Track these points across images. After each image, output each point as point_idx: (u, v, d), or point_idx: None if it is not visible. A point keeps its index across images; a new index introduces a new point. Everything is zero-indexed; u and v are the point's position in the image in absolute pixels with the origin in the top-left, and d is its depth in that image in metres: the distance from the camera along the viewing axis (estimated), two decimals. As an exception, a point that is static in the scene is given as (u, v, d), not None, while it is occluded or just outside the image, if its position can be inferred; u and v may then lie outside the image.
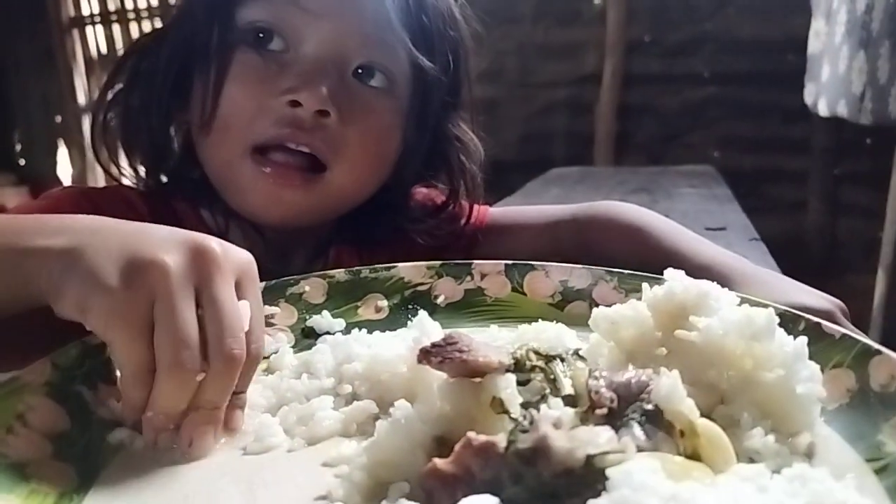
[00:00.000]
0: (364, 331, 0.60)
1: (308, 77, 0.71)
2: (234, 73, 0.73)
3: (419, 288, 0.70)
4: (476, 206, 0.92)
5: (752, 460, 0.40)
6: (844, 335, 0.50)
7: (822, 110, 2.23)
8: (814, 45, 2.39)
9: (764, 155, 3.17)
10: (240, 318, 0.47)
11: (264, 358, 0.59)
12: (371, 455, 0.42)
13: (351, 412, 0.49)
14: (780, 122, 3.09)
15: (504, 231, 0.92)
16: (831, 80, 2.13)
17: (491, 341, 0.54)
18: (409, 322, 0.65)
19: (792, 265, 1.16)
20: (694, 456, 0.38)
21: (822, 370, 0.45)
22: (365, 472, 0.41)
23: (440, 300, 0.70)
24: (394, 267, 0.71)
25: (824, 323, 0.52)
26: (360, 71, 0.75)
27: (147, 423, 0.45)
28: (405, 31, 0.75)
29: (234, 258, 0.49)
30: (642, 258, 0.73)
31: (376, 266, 0.71)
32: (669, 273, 0.51)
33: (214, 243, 0.48)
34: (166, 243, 0.47)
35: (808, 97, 2.46)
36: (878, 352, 0.47)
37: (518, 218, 0.94)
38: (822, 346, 0.49)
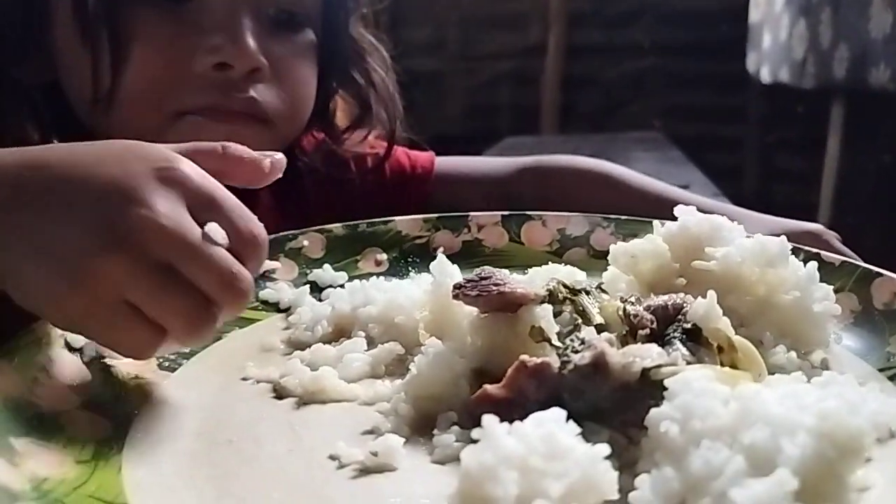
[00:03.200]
0: (373, 279, 0.60)
1: (230, 30, 0.63)
2: (138, 35, 0.62)
3: (417, 241, 0.70)
4: (418, 153, 0.90)
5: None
6: (844, 262, 0.53)
7: (765, 77, 2.32)
8: (754, 14, 2.48)
9: (703, 123, 3.26)
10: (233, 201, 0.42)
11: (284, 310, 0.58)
12: (413, 389, 0.42)
13: (378, 354, 0.49)
14: (718, 91, 3.19)
15: (458, 181, 0.90)
16: (773, 48, 2.21)
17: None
18: (409, 274, 0.66)
19: None
20: (732, 369, 0.40)
21: (829, 293, 0.48)
22: (410, 406, 0.42)
23: (439, 252, 0.70)
24: (390, 220, 0.70)
25: (823, 252, 0.55)
26: (280, 17, 0.69)
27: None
28: None
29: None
30: (623, 206, 0.75)
31: (373, 220, 0.70)
32: (681, 209, 0.53)
33: (175, 161, 0.41)
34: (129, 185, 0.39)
35: (751, 65, 2.55)
36: (879, 274, 0.50)
37: (471, 169, 0.93)
38: (823, 273, 0.52)
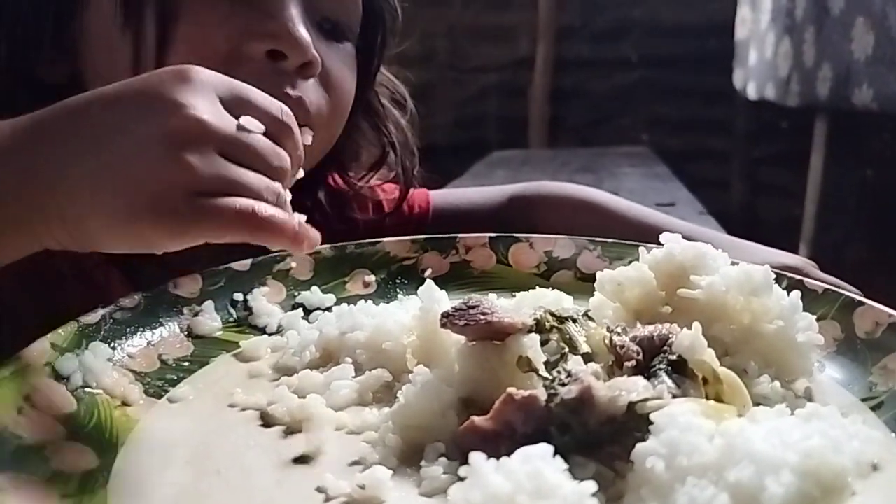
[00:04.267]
0: (361, 303, 0.60)
1: (285, 19, 0.60)
2: (187, 13, 0.59)
3: (405, 262, 0.70)
4: (412, 191, 0.90)
5: (760, 405, 0.43)
6: (826, 290, 0.54)
7: (751, 94, 2.35)
8: (740, 31, 2.51)
9: (690, 136, 3.30)
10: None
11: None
12: (401, 419, 0.42)
13: (365, 381, 0.49)
14: (705, 105, 3.23)
15: (452, 216, 0.91)
16: (759, 65, 2.24)
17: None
18: (397, 296, 0.66)
19: None
20: (717, 401, 0.40)
21: (812, 322, 0.49)
22: (398, 436, 0.42)
23: (427, 274, 0.70)
24: (378, 242, 0.70)
25: (806, 280, 0.56)
26: (324, 26, 0.68)
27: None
28: None
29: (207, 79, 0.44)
30: (609, 233, 0.75)
31: (360, 241, 0.70)
32: (666, 236, 0.53)
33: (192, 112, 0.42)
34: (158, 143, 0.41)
35: (737, 82, 2.58)
36: (861, 303, 0.51)
37: (463, 202, 0.94)
38: (806, 301, 0.52)
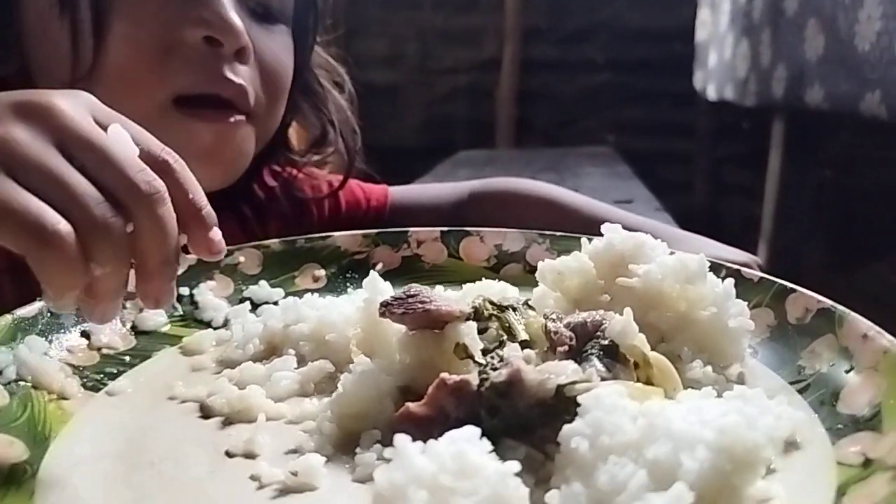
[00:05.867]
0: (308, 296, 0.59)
1: (219, 6, 0.61)
2: (121, 5, 0.59)
3: (356, 257, 0.70)
4: (373, 186, 0.90)
5: (692, 389, 0.44)
6: (762, 278, 0.55)
7: (711, 95, 2.39)
8: (700, 33, 2.55)
9: (654, 138, 3.35)
10: (127, 145, 0.38)
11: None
12: (338, 407, 0.43)
13: (307, 372, 0.49)
14: (669, 107, 3.28)
15: (410, 212, 0.92)
16: (718, 66, 2.28)
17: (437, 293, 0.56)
18: (347, 290, 0.66)
19: None
20: (648, 384, 0.41)
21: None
22: (334, 424, 0.42)
23: (378, 268, 0.70)
24: (329, 236, 0.70)
25: (743, 269, 0.57)
26: (256, 10, 0.69)
27: (87, 305, 0.37)
28: None
29: (73, 98, 0.39)
30: (563, 228, 0.76)
31: (311, 235, 0.70)
32: (607, 227, 0.54)
33: (43, 96, 0.38)
34: None
35: (698, 83, 2.62)
36: (793, 290, 0.52)
37: (422, 198, 0.95)
38: (742, 289, 0.53)
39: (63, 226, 0.34)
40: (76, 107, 0.38)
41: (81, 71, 0.59)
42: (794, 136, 2.05)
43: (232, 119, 0.65)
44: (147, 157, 0.38)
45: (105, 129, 0.38)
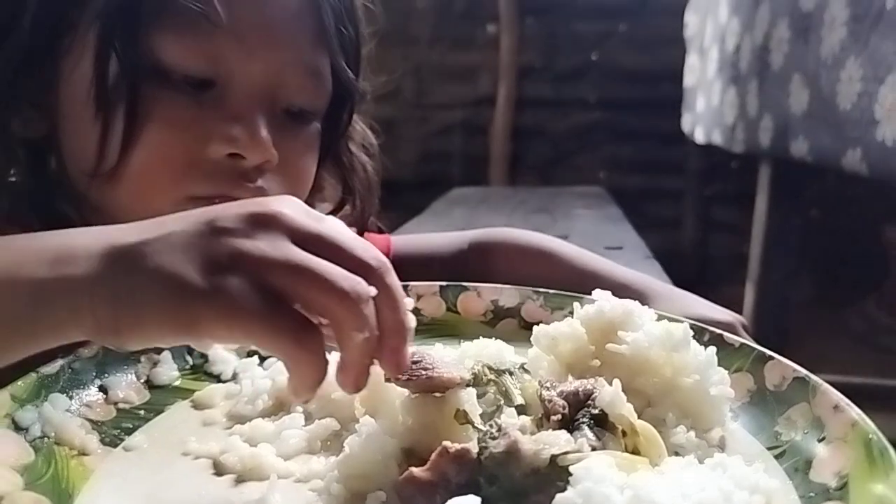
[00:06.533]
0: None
1: (247, 122, 0.63)
2: (156, 116, 0.60)
3: (358, 310, 0.73)
4: (374, 235, 0.92)
5: (677, 453, 0.47)
6: (743, 344, 0.59)
7: (699, 138, 2.45)
8: (689, 78, 2.62)
9: (645, 176, 3.42)
10: (347, 231, 0.42)
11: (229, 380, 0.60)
12: (345, 468, 0.45)
13: (315, 430, 0.52)
14: (659, 146, 3.35)
15: (413, 263, 0.95)
16: (706, 111, 2.34)
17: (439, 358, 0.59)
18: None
19: (670, 277, 1.28)
20: (634, 452, 0.44)
21: (728, 374, 0.53)
22: (341, 485, 0.45)
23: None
24: (333, 290, 0.73)
25: (725, 334, 0.60)
26: (290, 110, 0.69)
27: (344, 378, 0.41)
28: (339, 53, 0.69)
29: (290, 201, 0.43)
30: (557, 279, 0.80)
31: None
32: (597, 293, 0.58)
33: (266, 206, 0.41)
34: (223, 220, 0.40)
35: (686, 125, 2.68)
36: (771, 357, 0.55)
37: (423, 248, 0.98)
38: (724, 353, 0.57)
39: (314, 327, 0.38)
40: (296, 209, 0.41)
41: (104, 168, 0.61)
42: (780, 178, 2.10)
43: None
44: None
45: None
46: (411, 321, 0.43)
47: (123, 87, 0.58)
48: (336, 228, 0.42)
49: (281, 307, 0.38)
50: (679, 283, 0.91)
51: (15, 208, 0.62)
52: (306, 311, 0.39)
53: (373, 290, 0.40)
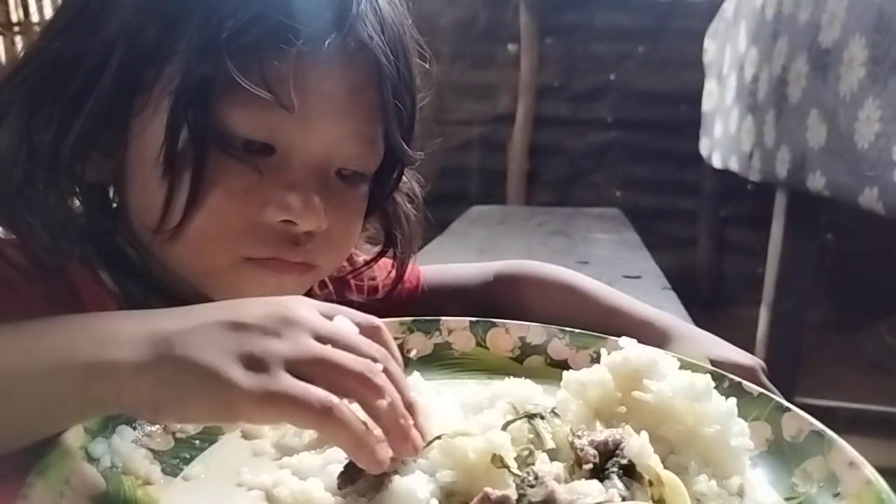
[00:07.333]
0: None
1: (301, 190, 0.65)
2: (218, 182, 0.63)
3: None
4: (408, 268, 0.93)
5: (699, 501, 0.50)
6: (761, 393, 0.62)
7: (716, 163, 2.48)
8: (707, 103, 2.65)
9: (660, 196, 3.45)
10: (353, 329, 0.51)
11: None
12: (389, 506, 0.49)
13: (359, 466, 0.55)
14: (675, 167, 3.38)
15: (441, 294, 0.98)
16: (723, 137, 2.37)
17: (469, 397, 0.63)
18: (385, 375, 0.73)
19: (683, 298, 1.31)
20: (659, 501, 0.47)
21: (746, 422, 0.57)
22: (384, 527, 0.48)
23: (412, 354, 0.77)
24: (369, 323, 0.77)
25: (744, 382, 0.64)
26: (343, 173, 0.70)
27: (395, 443, 0.48)
28: (394, 124, 0.70)
29: (303, 303, 0.51)
30: (581, 314, 0.83)
31: (352, 323, 0.77)
32: (623, 341, 0.61)
33: (285, 310, 0.48)
34: (252, 317, 0.47)
35: (703, 150, 2.71)
36: (788, 409, 0.59)
37: (450, 279, 1.01)
38: (742, 402, 0.60)
39: (336, 398, 0.44)
40: (311, 311, 0.49)
41: (167, 226, 0.63)
42: (796, 203, 2.12)
43: (295, 275, 0.69)
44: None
45: (330, 318, 0.50)
46: (415, 398, 0.51)
47: (190, 154, 0.61)
48: (345, 329, 0.50)
49: (308, 388, 0.44)
50: (693, 303, 0.94)
51: (84, 253, 0.66)
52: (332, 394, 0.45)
53: (381, 366, 0.48)
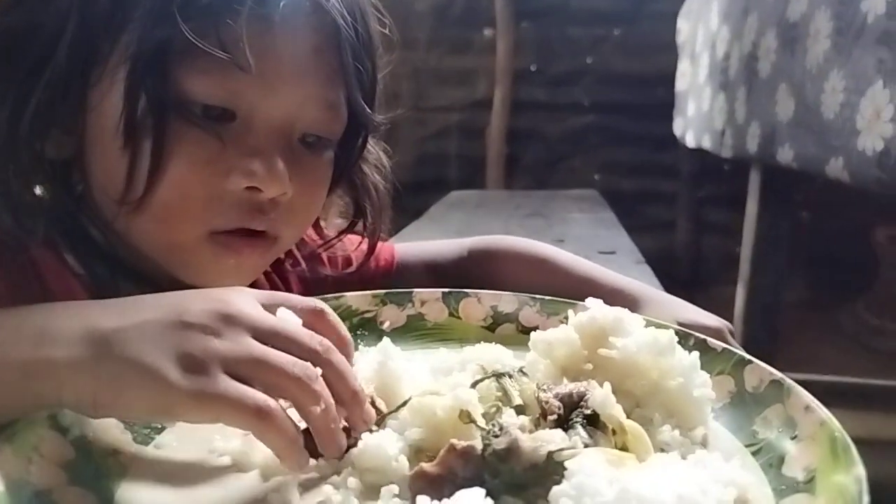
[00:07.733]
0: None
1: (264, 156, 0.64)
2: (180, 151, 0.62)
3: (366, 315, 0.78)
4: (381, 245, 0.94)
5: (662, 450, 0.52)
6: (725, 349, 0.63)
7: (690, 142, 2.50)
8: (680, 83, 2.67)
9: (639, 178, 3.47)
10: (296, 322, 0.52)
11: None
12: (360, 463, 0.50)
13: (330, 429, 0.56)
14: (652, 149, 3.41)
15: (416, 270, 0.99)
16: (696, 116, 2.39)
17: (440, 362, 0.64)
18: (359, 347, 0.73)
19: (663, 278, 1.33)
20: (623, 449, 0.49)
21: (710, 377, 0.58)
22: (357, 478, 0.49)
23: (385, 326, 0.78)
24: (342, 296, 0.78)
25: (709, 339, 0.65)
26: (306, 139, 0.70)
27: (324, 444, 0.49)
28: (355, 87, 0.70)
29: (243, 294, 0.52)
30: (554, 285, 0.84)
31: (325, 296, 0.77)
32: (590, 301, 0.62)
33: (225, 305, 0.49)
34: (192, 315, 0.48)
35: (677, 129, 2.73)
36: (750, 361, 0.60)
37: (424, 255, 1.02)
38: (707, 358, 0.61)
39: (272, 402, 0.46)
40: (253, 305, 0.51)
41: (130, 198, 0.62)
42: (770, 181, 2.15)
43: (259, 250, 0.69)
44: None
45: (271, 311, 0.51)
46: (359, 385, 0.53)
47: (150, 122, 0.60)
48: (287, 321, 0.51)
49: (245, 392, 0.45)
50: (673, 283, 0.95)
51: (48, 233, 0.65)
52: (268, 395, 0.47)
53: (319, 370, 0.49)
